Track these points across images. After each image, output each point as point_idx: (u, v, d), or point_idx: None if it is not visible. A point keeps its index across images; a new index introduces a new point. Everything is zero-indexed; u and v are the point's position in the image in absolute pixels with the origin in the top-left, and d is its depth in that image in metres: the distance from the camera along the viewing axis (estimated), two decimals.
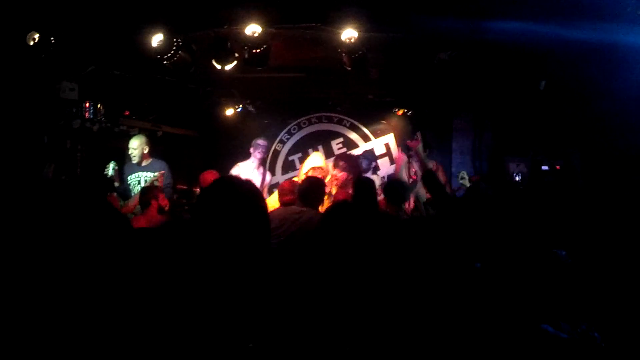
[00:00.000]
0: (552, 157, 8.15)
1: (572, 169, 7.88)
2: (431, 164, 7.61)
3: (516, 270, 3.16)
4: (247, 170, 7.66)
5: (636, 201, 5.55)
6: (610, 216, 4.86)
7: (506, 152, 8.94)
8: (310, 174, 6.42)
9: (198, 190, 7.38)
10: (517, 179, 8.19)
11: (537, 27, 5.23)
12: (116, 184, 6.53)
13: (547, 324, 2.63)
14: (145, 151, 6.81)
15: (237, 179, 2.35)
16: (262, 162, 8.09)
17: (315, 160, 7.20)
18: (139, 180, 6.74)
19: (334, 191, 6.73)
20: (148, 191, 5.61)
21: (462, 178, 6.15)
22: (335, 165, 7.03)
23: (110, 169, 6.47)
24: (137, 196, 5.95)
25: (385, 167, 10.35)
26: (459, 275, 3.36)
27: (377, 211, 4.84)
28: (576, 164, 7.90)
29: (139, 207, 5.76)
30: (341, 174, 6.91)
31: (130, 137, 8.02)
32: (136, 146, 6.75)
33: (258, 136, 8.40)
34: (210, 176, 6.50)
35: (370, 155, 9.46)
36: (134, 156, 6.76)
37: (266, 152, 7.85)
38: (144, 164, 6.83)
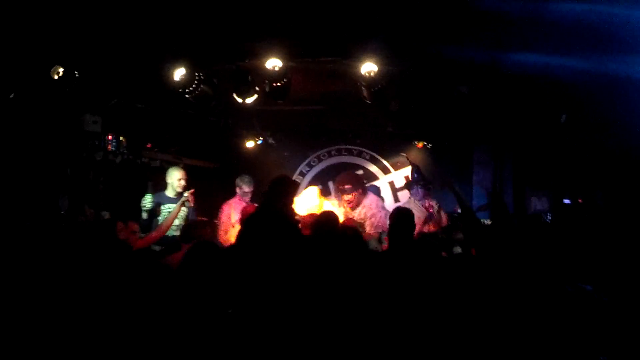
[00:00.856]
0: (574, 190, 8.06)
1: (594, 205, 7.77)
2: (431, 203, 7.60)
3: (543, 304, 3.12)
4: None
5: None
6: (635, 252, 4.77)
7: (527, 184, 8.86)
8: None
9: (218, 221, 7.30)
10: (547, 219, 8.08)
11: (559, 60, 5.22)
12: (144, 215, 6.38)
13: None
14: (184, 183, 6.68)
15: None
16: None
17: (311, 194, 7.25)
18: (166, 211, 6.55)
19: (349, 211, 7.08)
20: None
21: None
22: (342, 191, 7.12)
23: (148, 202, 6.34)
24: (163, 228, 6.05)
25: (405, 199, 10.29)
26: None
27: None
28: (599, 200, 7.79)
29: None
30: (351, 195, 7.14)
31: (152, 169, 8.09)
32: (181, 176, 6.63)
33: (278, 168, 8.39)
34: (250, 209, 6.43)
35: (374, 190, 9.37)
36: (177, 187, 6.60)
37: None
38: (177, 196, 6.64)
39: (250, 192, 7.45)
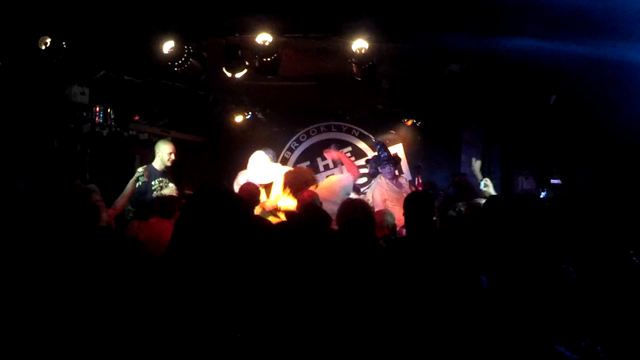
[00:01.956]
0: (562, 171, 8.12)
1: (575, 183, 7.83)
2: (402, 182, 7.55)
3: (523, 284, 3.15)
4: None
5: None
6: (614, 232, 4.83)
7: (515, 165, 8.90)
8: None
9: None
10: (542, 195, 8.10)
11: (549, 43, 5.22)
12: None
13: (559, 345, 2.62)
14: (174, 157, 6.60)
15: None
16: None
17: (258, 159, 6.98)
18: (162, 185, 6.50)
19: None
20: (175, 202, 5.45)
21: (486, 185, 5.93)
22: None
23: (139, 175, 6.15)
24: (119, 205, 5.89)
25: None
26: (470, 289, 3.36)
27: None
28: (580, 179, 7.85)
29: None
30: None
31: (140, 142, 8.05)
32: (171, 150, 6.54)
33: (266, 144, 8.29)
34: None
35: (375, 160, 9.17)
36: (167, 161, 6.53)
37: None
38: (164, 170, 6.60)
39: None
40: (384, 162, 7.58)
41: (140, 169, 6.22)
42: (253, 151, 7.12)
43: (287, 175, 6.27)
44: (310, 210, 4.73)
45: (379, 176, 7.86)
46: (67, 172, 6.69)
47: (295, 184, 6.01)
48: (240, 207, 2.27)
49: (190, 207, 2.27)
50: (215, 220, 2.11)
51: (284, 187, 6.11)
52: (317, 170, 9.99)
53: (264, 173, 6.78)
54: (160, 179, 6.50)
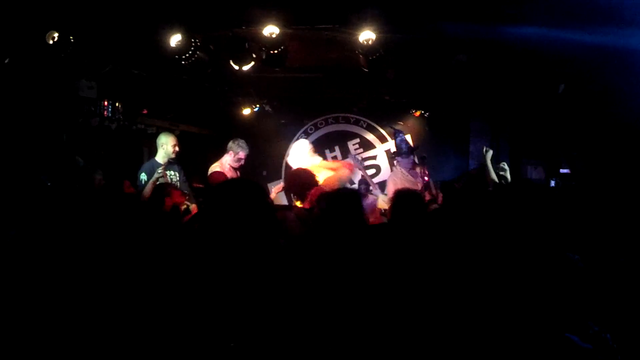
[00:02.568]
0: (570, 160, 8.09)
1: (577, 172, 7.82)
2: (418, 169, 7.47)
3: (530, 272, 3.14)
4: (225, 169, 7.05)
5: None
6: (620, 221, 4.81)
7: (523, 155, 8.87)
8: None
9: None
10: (551, 184, 8.08)
11: (557, 32, 5.19)
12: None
13: (571, 334, 2.61)
14: (178, 150, 6.49)
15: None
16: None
17: (301, 148, 6.89)
18: (170, 178, 6.41)
19: None
20: (163, 188, 5.47)
21: (504, 169, 5.85)
22: None
23: (161, 177, 6.11)
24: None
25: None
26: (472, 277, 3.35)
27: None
28: (581, 167, 7.83)
29: None
30: None
31: (148, 135, 8.07)
32: (175, 143, 6.42)
33: (275, 136, 8.23)
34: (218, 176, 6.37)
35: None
36: (171, 153, 6.40)
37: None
38: (169, 161, 6.46)
39: (244, 160, 7.08)
40: (403, 153, 7.45)
41: (159, 170, 6.15)
42: (261, 143, 7.13)
43: (286, 181, 6.16)
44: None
45: (394, 168, 7.78)
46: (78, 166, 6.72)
47: (296, 189, 5.85)
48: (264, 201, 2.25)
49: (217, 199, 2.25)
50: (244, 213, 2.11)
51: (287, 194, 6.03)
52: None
53: (304, 162, 6.64)
54: (167, 171, 6.49)
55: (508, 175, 5.78)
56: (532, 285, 3.04)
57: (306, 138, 10.68)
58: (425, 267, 3.47)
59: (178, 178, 6.51)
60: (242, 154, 6.98)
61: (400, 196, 4.47)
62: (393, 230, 4.40)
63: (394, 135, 7.72)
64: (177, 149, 6.44)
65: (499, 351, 2.72)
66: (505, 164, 5.94)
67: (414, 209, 4.31)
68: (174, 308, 2.00)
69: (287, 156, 7.17)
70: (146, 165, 6.43)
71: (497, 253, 3.64)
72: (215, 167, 6.98)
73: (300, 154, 6.77)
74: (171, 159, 6.44)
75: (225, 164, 7.00)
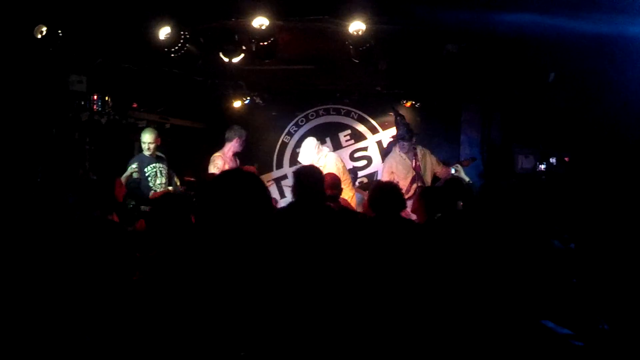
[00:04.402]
0: (561, 149, 8.11)
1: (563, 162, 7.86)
2: (418, 161, 7.48)
3: (512, 259, 3.15)
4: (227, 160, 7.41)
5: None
6: (610, 210, 4.85)
7: (514, 143, 8.89)
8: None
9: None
10: (541, 167, 8.09)
11: (547, 19, 5.19)
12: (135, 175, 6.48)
13: (547, 320, 2.63)
14: (159, 143, 6.80)
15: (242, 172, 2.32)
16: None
17: (309, 145, 7.19)
18: (155, 172, 6.75)
19: None
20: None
21: (457, 170, 6.01)
22: None
23: (133, 172, 6.44)
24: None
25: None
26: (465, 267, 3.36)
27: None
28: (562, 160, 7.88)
29: None
30: None
31: (138, 129, 8.03)
32: (152, 139, 6.69)
33: (266, 128, 8.23)
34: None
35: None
36: (149, 149, 6.70)
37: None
38: (156, 155, 6.83)
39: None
40: (406, 136, 7.41)
41: (133, 165, 6.47)
42: (252, 136, 7.21)
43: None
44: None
45: (394, 149, 7.78)
46: (67, 161, 6.71)
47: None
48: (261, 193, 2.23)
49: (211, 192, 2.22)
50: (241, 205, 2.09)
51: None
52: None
53: (314, 158, 6.99)
54: (154, 164, 6.71)
55: (462, 175, 5.90)
56: (513, 271, 3.06)
57: (296, 131, 10.70)
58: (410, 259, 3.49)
59: (155, 173, 6.77)
60: (244, 136, 7.45)
61: (379, 190, 4.51)
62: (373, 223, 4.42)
63: (396, 118, 7.75)
64: (152, 146, 6.71)
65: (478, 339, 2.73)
66: (459, 165, 6.09)
67: (391, 202, 4.34)
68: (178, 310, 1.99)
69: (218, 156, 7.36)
70: (135, 158, 6.77)
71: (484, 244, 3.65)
72: (217, 157, 7.29)
73: (309, 152, 7.10)
74: (150, 155, 6.73)
75: (228, 153, 7.36)
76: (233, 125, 7.63)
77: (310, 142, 7.21)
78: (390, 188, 4.50)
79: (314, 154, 7.05)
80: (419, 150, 7.44)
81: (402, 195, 4.56)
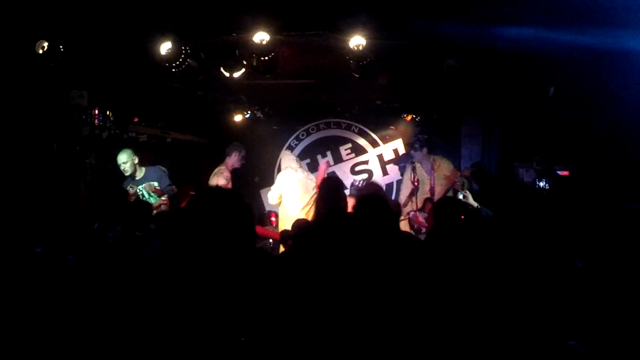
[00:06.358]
0: (562, 163, 8.11)
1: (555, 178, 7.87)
2: (432, 159, 7.47)
3: (531, 280, 3.13)
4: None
5: None
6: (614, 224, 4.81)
7: (515, 157, 8.89)
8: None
9: None
10: (541, 184, 8.08)
11: (546, 33, 5.21)
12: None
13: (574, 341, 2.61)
14: (136, 162, 6.78)
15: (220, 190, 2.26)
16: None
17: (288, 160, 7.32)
18: (142, 194, 6.75)
19: None
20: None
21: (465, 197, 5.99)
22: None
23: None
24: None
25: (393, 172, 10.36)
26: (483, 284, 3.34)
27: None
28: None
29: None
30: None
31: (139, 143, 8.06)
32: (125, 160, 6.69)
33: (266, 142, 8.28)
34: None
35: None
36: (126, 170, 6.71)
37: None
38: (138, 176, 6.81)
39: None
40: (423, 146, 7.45)
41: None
42: (253, 150, 7.26)
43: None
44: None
45: (413, 160, 7.67)
46: (68, 176, 6.72)
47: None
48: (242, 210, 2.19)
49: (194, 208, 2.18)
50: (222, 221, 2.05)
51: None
52: (315, 168, 9.98)
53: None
54: (138, 188, 6.78)
55: (471, 201, 5.89)
56: (534, 292, 3.04)
57: (296, 144, 10.72)
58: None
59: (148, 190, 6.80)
60: (243, 152, 7.65)
61: (365, 200, 4.47)
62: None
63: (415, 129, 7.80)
64: (126, 167, 6.73)
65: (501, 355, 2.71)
66: (467, 192, 6.08)
67: (377, 212, 4.29)
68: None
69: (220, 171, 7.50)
70: (124, 184, 6.84)
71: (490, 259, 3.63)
72: (223, 169, 7.41)
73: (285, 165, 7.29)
74: (130, 174, 6.79)
75: (229, 167, 7.52)
76: (234, 141, 7.75)
77: (289, 157, 7.47)
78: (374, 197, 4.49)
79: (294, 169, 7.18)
80: (436, 161, 7.42)
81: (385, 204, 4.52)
